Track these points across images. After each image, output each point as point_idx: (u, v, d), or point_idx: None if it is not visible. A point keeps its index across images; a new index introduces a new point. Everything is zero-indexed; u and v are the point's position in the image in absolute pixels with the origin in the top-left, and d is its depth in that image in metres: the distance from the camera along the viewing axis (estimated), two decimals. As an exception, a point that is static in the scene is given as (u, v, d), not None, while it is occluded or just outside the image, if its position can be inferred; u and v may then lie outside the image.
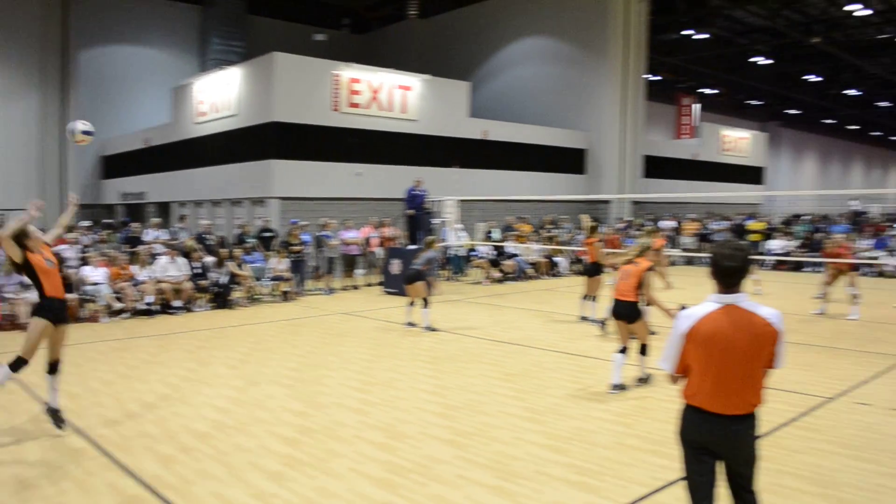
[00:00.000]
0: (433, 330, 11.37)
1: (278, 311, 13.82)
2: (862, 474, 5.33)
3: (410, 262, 12.58)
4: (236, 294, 14.40)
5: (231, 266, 14.24)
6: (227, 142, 21.41)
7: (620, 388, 7.63)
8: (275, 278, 15.10)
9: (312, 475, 5.31)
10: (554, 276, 19.85)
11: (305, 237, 16.43)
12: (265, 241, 16.52)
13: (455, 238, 18.34)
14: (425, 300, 11.60)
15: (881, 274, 19.85)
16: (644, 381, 7.88)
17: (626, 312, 7.73)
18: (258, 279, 14.87)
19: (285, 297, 15.12)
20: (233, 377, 8.36)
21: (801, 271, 21.55)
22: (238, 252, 14.73)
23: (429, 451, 5.84)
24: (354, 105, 20.62)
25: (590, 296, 12.07)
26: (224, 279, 14.12)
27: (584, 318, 12.18)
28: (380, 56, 29.18)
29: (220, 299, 14.01)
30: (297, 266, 15.77)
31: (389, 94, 21.44)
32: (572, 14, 26.38)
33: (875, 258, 20.12)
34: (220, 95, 21.82)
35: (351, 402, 7.29)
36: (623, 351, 7.72)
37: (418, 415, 6.84)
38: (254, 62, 20.92)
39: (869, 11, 23.83)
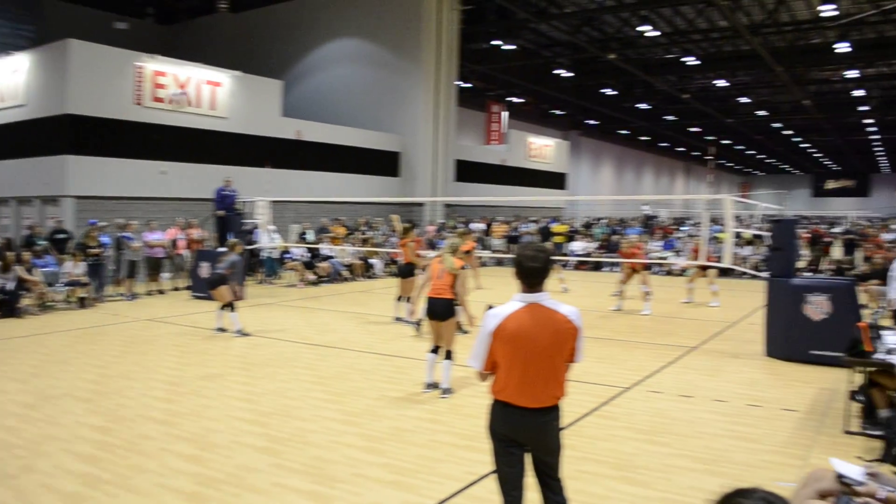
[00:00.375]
0: (244, 335, 11.04)
1: (74, 318, 12.83)
2: (655, 456, 5.82)
3: (215, 266, 12.11)
4: (26, 301, 13.25)
5: (19, 271, 13.05)
6: (13, 134, 19.50)
7: (433, 386, 7.73)
8: (70, 283, 14.00)
9: (114, 494, 4.99)
10: (369, 277, 19.94)
11: (105, 239, 15.36)
12: (58, 243, 15.26)
13: (268, 240, 17.90)
14: (231, 304, 11.25)
15: (669, 273, 21.70)
16: (446, 391, 7.61)
17: (441, 311, 7.72)
18: (50, 285, 13.74)
19: (82, 303, 14.07)
20: (21, 392, 7.65)
21: (600, 271, 23.10)
22: (27, 255, 13.55)
23: (242, 460, 5.67)
24: (159, 99, 19.54)
25: (404, 297, 12.25)
26: (11, 285, 12.91)
27: (398, 319, 12.34)
28: (187, 49, 27.79)
29: (7, 307, 12.77)
30: (96, 270, 14.71)
31: (197, 90, 20.53)
32: (386, 18, 26.59)
33: (664, 258, 21.98)
34: (4, 83, 19.83)
35: (156, 413, 6.91)
36: (435, 350, 7.80)
37: (230, 423, 6.62)
38: (46, 49, 19.18)
39: (657, 33, 26.03)
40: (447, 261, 7.95)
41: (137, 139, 19.06)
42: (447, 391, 7.56)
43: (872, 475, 3.94)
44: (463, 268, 8.04)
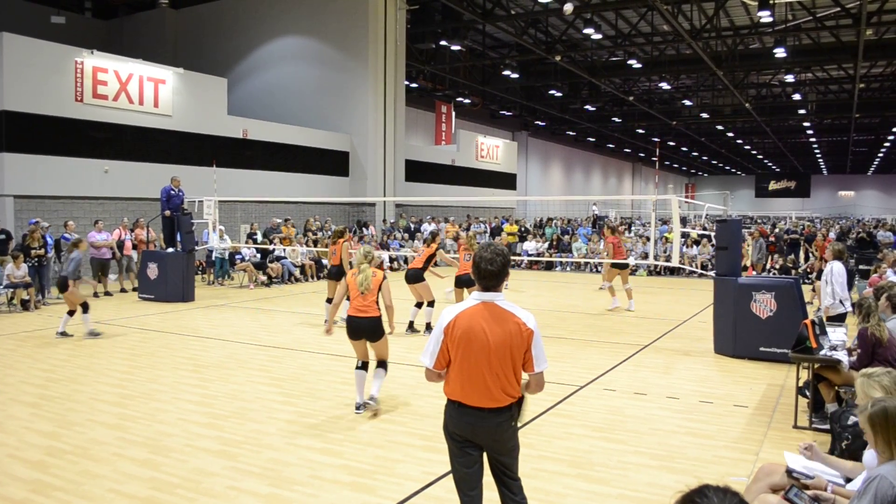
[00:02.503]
0: (96, 335, 10.77)
1: (17, 322, 12.44)
2: (612, 453, 5.89)
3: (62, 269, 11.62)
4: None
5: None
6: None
7: (366, 406, 7.00)
8: (10, 286, 13.55)
9: (65, 500, 4.84)
10: (322, 278, 19.77)
11: (48, 239, 14.91)
12: (-3, 244, 14.76)
13: (217, 241, 17.61)
14: (85, 305, 10.81)
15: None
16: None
17: (367, 330, 6.89)
18: (-12, 288, 13.31)
19: (25, 306, 13.64)
20: (-39, 399, 7.38)
21: (552, 270, 23.36)
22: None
23: (197, 463, 5.57)
24: (101, 96, 19.05)
25: (331, 299, 12.12)
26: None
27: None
28: (127, 45, 27.16)
29: (-59, 311, 12.32)
30: (39, 272, 14.27)
31: (140, 87, 20.09)
32: (332, 16, 26.37)
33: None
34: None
35: (107, 417, 6.74)
36: (364, 366, 7.03)
37: (183, 426, 6.50)
38: (-23, 43, 18.55)
39: (600, 36, 26.44)
40: (363, 277, 6.97)
41: (78, 137, 18.57)
42: (372, 399, 6.91)
43: (807, 448, 4.06)
44: (384, 278, 7.16)
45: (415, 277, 11.59)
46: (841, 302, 8.78)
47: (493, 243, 3.74)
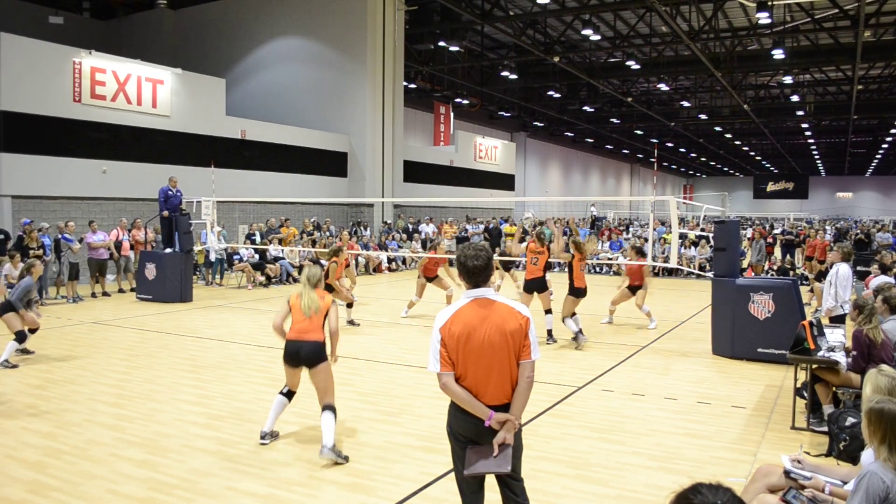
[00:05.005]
0: (11, 366, 8.95)
1: (13, 322, 12.38)
2: (610, 454, 5.89)
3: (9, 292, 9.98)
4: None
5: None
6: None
7: (273, 436, 6.21)
8: (8, 286, 13.48)
9: (63, 501, 4.84)
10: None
11: (45, 240, 14.89)
12: (-6, 244, 14.71)
13: (216, 241, 17.60)
14: (21, 333, 9.29)
15: (617, 273, 22.02)
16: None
17: (308, 356, 5.98)
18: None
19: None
20: (-42, 399, 7.37)
21: (552, 270, 23.30)
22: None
23: (194, 464, 5.57)
24: (99, 97, 19.02)
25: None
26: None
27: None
28: (126, 45, 27.15)
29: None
30: (36, 272, 14.21)
31: (138, 87, 20.07)
32: (331, 17, 26.35)
33: (612, 258, 22.32)
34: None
35: (105, 418, 6.74)
36: (289, 395, 6.23)
37: (181, 427, 6.49)
38: (-25, 43, 18.53)
39: (598, 37, 26.43)
40: (309, 299, 6.10)
41: (76, 137, 18.54)
42: (331, 450, 5.63)
43: (797, 461, 4.07)
44: (333, 301, 6.30)
45: (540, 286, 11.11)
46: (841, 305, 8.81)
47: (471, 244, 3.77)
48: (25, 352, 9.60)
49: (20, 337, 9.27)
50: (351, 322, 12.22)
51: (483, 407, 3.51)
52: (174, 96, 21.06)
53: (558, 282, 16.05)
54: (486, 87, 35.91)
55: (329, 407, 5.87)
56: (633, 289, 12.59)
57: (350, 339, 10.92)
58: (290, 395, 6.21)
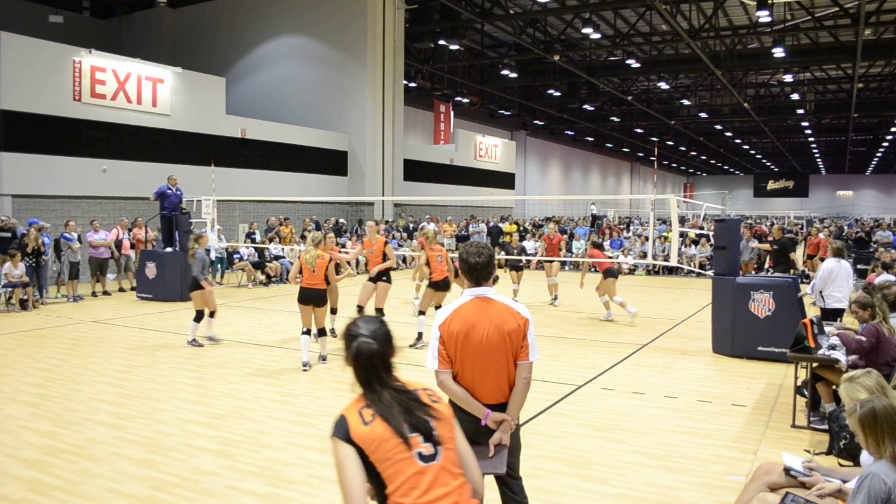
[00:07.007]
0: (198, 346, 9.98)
1: (15, 321, 12.41)
2: (610, 452, 5.89)
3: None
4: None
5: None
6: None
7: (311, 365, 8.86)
8: (8, 285, 13.53)
9: (64, 500, 4.85)
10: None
11: (46, 239, 14.89)
12: (1, 242, 14.67)
13: (216, 240, 17.59)
14: (201, 312, 10.12)
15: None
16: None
17: (314, 299, 8.81)
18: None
19: (24, 305, 13.62)
20: (-41, 398, 7.37)
21: (562, 270, 23.29)
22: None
23: (195, 463, 5.57)
24: (99, 96, 19.03)
25: (334, 309, 11.93)
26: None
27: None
28: (125, 44, 27.13)
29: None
30: (37, 271, 14.25)
31: (138, 86, 20.06)
32: (331, 16, 26.34)
33: (612, 257, 22.29)
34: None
35: (105, 417, 6.74)
36: (308, 332, 8.86)
37: (182, 426, 6.50)
38: (-26, 42, 18.51)
39: (599, 35, 26.42)
40: (310, 256, 8.79)
41: (76, 136, 18.55)
42: (324, 358, 9.14)
43: (809, 468, 4.07)
44: (330, 260, 9.15)
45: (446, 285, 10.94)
46: (823, 297, 8.97)
47: (473, 242, 3.78)
48: (211, 339, 10.41)
49: (199, 316, 10.19)
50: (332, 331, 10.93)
51: (480, 405, 3.52)
52: (174, 95, 21.06)
53: (566, 281, 16.05)
54: (486, 86, 35.90)
55: (322, 331, 9.10)
56: (606, 274, 13.01)
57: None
58: (308, 332, 8.84)
